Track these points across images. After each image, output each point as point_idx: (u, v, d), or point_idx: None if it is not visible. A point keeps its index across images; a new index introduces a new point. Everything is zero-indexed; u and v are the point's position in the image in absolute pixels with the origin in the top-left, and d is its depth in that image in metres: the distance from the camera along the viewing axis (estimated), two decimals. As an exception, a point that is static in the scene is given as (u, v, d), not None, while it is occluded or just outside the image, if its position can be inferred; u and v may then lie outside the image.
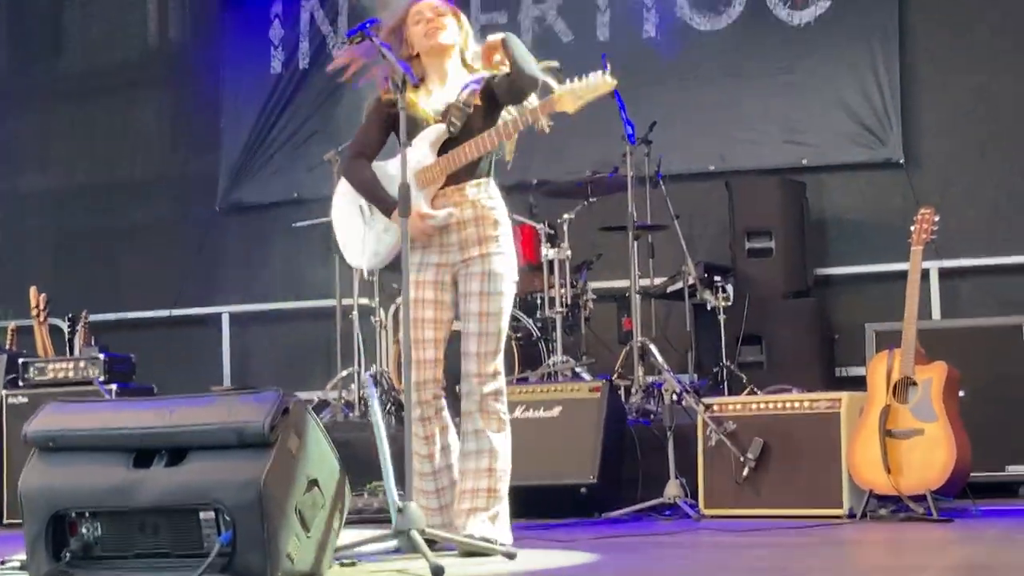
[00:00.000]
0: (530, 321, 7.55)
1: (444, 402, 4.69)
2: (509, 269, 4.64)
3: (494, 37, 4.68)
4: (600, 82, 4.50)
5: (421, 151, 4.59)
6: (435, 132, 4.60)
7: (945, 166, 8.21)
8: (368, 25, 4.55)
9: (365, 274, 4.72)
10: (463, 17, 4.80)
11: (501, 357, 4.61)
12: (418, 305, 4.59)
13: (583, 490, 6.04)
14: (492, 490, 4.55)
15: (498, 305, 4.58)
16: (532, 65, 4.55)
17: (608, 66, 6.98)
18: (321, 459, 3.82)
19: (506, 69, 4.62)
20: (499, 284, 4.58)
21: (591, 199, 7.58)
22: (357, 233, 4.74)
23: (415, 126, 4.58)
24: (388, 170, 4.67)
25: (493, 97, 4.64)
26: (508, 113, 4.67)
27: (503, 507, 4.59)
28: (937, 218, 5.82)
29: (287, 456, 3.67)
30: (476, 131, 4.57)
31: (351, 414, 7.48)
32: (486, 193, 4.66)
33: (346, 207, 4.79)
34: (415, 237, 4.52)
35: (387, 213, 4.59)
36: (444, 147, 4.60)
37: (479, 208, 4.61)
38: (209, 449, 3.68)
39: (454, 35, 4.71)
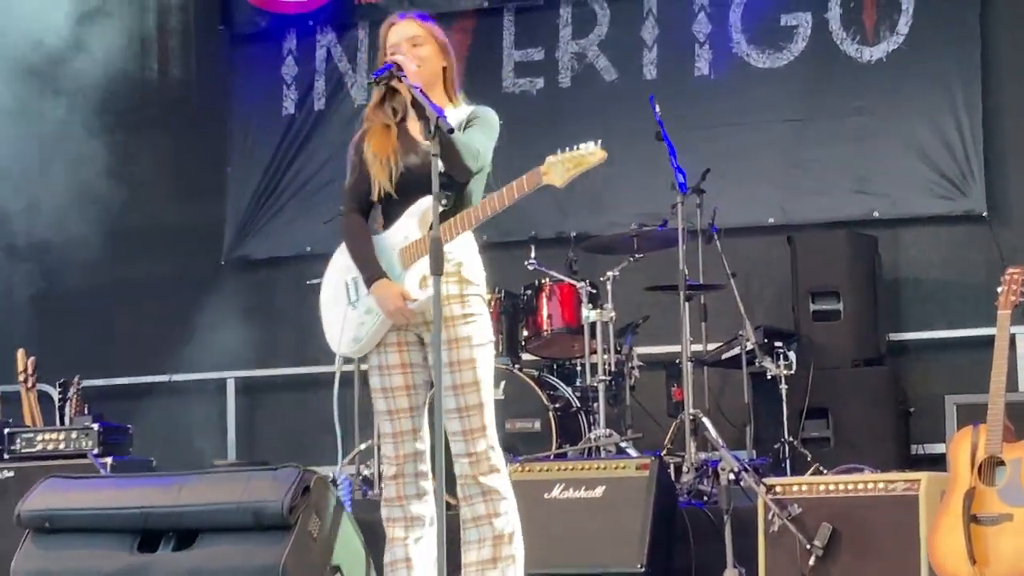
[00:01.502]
0: (569, 390, 7.58)
1: (429, 484, 4.64)
2: (479, 332, 4.60)
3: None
4: (587, 153, 4.44)
5: (408, 226, 4.61)
6: (425, 205, 4.54)
7: (1034, 220, 8.24)
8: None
9: (341, 361, 4.66)
10: (443, 34, 4.74)
11: (492, 431, 4.57)
12: (384, 372, 4.63)
13: (629, 580, 6.04)
14: None
15: (472, 375, 4.54)
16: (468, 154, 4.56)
17: (657, 108, 7.16)
18: (345, 543, 3.86)
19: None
20: (467, 351, 4.55)
21: (637, 255, 7.63)
22: (339, 314, 4.71)
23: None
24: (382, 243, 4.67)
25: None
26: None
27: None
28: (1027, 277, 5.83)
29: (308, 540, 3.72)
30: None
31: (370, 492, 7.52)
32: (457, 248, 4.61)
33: (334, 283, 4.78)
34: (393, 319, 4.56)
35: (368, 283, 4.59)
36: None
37: (447, 264, 4.48)
38: (222, 531, 3.72)
39: (433, 66, 4.68)
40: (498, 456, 4.58)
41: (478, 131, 4.63)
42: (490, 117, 4.72)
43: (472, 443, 4.53)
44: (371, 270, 4.60)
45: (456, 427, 4.54)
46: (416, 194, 4.58)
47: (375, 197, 4.66)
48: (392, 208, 4.66)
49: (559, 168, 4.42)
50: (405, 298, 4.54)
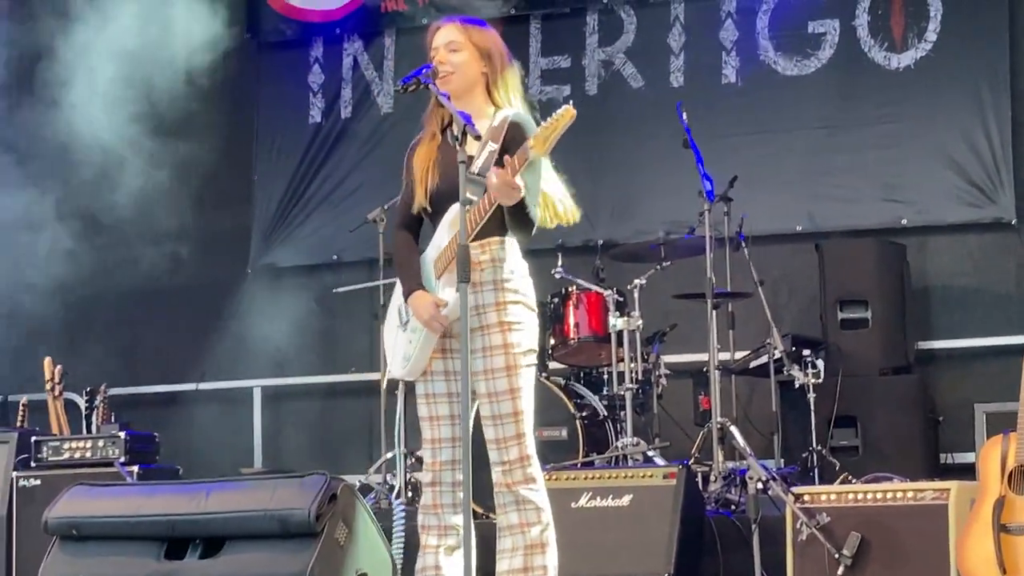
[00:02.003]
0: (596, 399, 7.57)
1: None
2: (518, 341, 4.58)
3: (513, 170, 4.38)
4: (559, 116, 4.37)
5: (440, 235, 4.64)
6: (453, 213, 4.55)
7: (1063, 227, 8.20)
8: (424, 71, 4.58)
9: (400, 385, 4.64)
10: (488, 36, 4.72)
11: (528, 440, 4.57)
12: (427, 378, 4.64)
13: (657, 589, 6.04)
14: None
15: (506, 383, 4.54)
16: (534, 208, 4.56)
17: (684, 115, 7.15)
18: (371, 550, 3.87)
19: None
20: (501, 359, 4.54)
21: (664, 263, 7.62)
22: (392, 337, 4.76)
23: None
24: (424, 259, 4.71)
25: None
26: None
27: None
28: (1056, 286, 5.81)
29: (334, 547, 3.73)
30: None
31: (401, 500, 7.52)
32: (494, 255, 4.60)
33: (393, 309, 4.81)
34: (429, 328, 4.57)
35: (406, 297, 4.65)
36: None
37: (483, 272, 4.56)
38: (249, 539, 3.74)
39: (469, 72, 4.66)
40: (535, 467, 4.58)
41: (529, 178, 4.54)
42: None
43: (505, 451, 4.53)
44: (408, 284, 4.65)
45: (491, 435, 4.55)
46: (450, 204, 4.59)
47: (414, 211, 4.69)
48: (434, 221, 4.68)
49: (539, 138, 4.40)
50: (438, 305, 4.56)
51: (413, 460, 7.47)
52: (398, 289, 4.77)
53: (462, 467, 4.22)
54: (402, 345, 4.68)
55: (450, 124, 4.69)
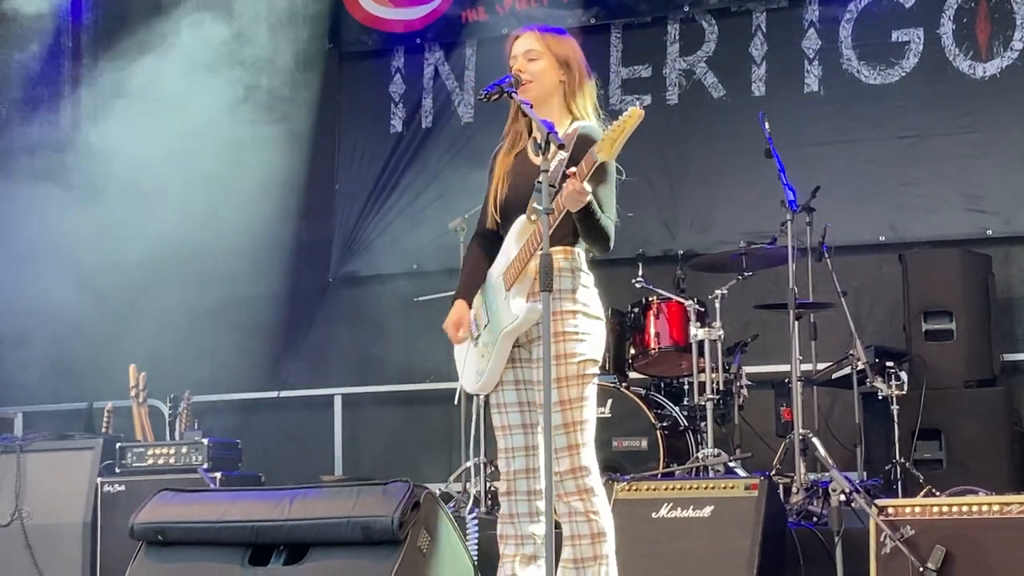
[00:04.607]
0: (676, 409, 7.55)
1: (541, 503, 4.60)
2: (581, 351, 4.54)
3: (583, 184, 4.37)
4: (625, 118, 4.29)
5: (507, 248, 4.64)
6: (519, 224, 4.60)
7: None
8: (507, 80, 4.59)
9: (475, 400, 4.65)
10: (566, 45, 4.72)
11: (584, 451, 4.50)
12: (498, 387, 4.64)
13: (738, 601, 5.99)
14: None
15: (564, 394, 4.49)
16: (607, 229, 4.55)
17: (766, 124, 7.11)
18: (454, 559, 3.87)
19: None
20: (563, 369, 4.50)
21: (746, 273, 7.58)
22: (463, 351, 4.76)
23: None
24: (493, 271, 4.72)
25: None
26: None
27: None
28: None
29: (417, 555, 3.73)
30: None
31: (478, 509, 7.52)
32: (561, 264, 4.58)
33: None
34: (447, 331, 4.65)
35: (452, 299, 4.68)
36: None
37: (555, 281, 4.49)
38: (332, 546, 3.75)
39: (547, 81, 4.66)
40: (591, 478, 4.52)
41: (604, 191, 4.54)
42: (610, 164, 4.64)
43: (556, 462, 4.45)
44: (457, 290, 4.70)
45: (562, 443, 4.50)
46: (517, 215, 4.61)
47: (488, 224, 4.72)
48: (503, 231, 4.69)
49: (606, 142, 4.37)
50: (463, 324, 4.62)
51: (493, 468, 7.48)
52: (475, 302, 4.76)
53: (544, 475, 4.19)
54: (474, 359, 4.68)
55: (531, 133, 4.70)
